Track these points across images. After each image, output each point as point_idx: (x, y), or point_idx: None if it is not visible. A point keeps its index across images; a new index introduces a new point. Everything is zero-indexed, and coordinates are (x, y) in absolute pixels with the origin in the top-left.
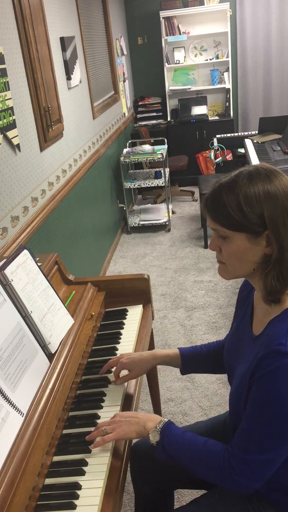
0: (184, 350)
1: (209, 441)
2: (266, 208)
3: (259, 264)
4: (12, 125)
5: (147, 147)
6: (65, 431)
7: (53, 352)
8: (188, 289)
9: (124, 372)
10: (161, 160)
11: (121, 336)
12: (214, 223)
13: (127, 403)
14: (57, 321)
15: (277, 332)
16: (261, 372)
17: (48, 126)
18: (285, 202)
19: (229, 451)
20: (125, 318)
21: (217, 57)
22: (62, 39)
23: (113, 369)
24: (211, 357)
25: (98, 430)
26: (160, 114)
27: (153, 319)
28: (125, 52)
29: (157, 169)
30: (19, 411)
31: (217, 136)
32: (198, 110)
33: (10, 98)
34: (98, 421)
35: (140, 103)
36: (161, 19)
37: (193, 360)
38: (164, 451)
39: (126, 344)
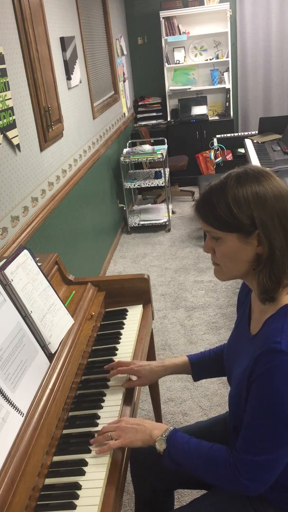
0: (193, 357)
1: (214, 446)
2: (256, 209)
3: (252, 263)
4: (12, 125)
5: (147, 147)
6: (65, 431)
7: (53, 352)
8: (188, 289)
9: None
10: (161, 160)
11: (121, 336)
12: (206, 225)
13: (127, 403)
14: (57, 321)
15: (273, 330)
16: (258, 371)
17: (48, 126)
18: (274, 202)
19: (234, 454)
20: (125, 318)
21: (217, 57)
22: (62, 39)
23: (118, 369)
24: (219, 361)
25: (104, 435)
26: (160, 114)
27: (153, 319)
28: (125, 52)
29: (157, 169)
30: (19, 411)
31: (217, 136)
32: (198, 110)
33: (10, 98)
34: (98, 421)
35: (140, 103)
36: (161, 19)
37: (202, 366)
38: (171, 459)
39: (126, 344)
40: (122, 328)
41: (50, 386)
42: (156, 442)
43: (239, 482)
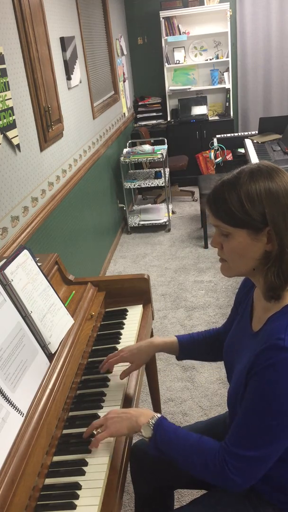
0: (182, 337)
1: (203, 437)
2: (267, 205)
3: (260, 260)
4: (12, 125)
5: (147, 147)
6: (65, 431)
7: (53, 352)
8: (188, 289)
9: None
10: (161, 160)
11: (121, 336)
12: (216, 220)
13: (127, 403)
14: (57, 321)
15: (276, 327)
16: (259, 367)
17: (48, 126)
18: (286, 199)
19: (223, 447)
20: (125, 318)
21: (217, 57)
22: (62, 39)
23: (109, 361)
24: (208, 344)
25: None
26: (160, 114)
27: (153, 319)
28: (125, 52)
29: (157, 169)
30: (19, 411)
31: (217, 136)
32: (198, 110)
33: (10, 98)
34: None
35: (140, 103)
36: (161, 19)
37: (190, 347)
38: (156, 446)
39: (126, 344)
40: (122, 328)
41: (50, 386)
42: (142, 428)
43: (226, 475)
